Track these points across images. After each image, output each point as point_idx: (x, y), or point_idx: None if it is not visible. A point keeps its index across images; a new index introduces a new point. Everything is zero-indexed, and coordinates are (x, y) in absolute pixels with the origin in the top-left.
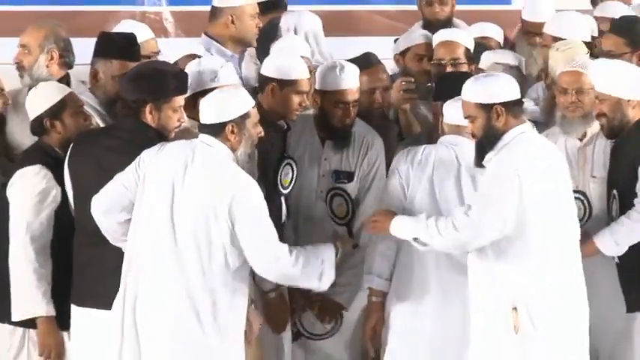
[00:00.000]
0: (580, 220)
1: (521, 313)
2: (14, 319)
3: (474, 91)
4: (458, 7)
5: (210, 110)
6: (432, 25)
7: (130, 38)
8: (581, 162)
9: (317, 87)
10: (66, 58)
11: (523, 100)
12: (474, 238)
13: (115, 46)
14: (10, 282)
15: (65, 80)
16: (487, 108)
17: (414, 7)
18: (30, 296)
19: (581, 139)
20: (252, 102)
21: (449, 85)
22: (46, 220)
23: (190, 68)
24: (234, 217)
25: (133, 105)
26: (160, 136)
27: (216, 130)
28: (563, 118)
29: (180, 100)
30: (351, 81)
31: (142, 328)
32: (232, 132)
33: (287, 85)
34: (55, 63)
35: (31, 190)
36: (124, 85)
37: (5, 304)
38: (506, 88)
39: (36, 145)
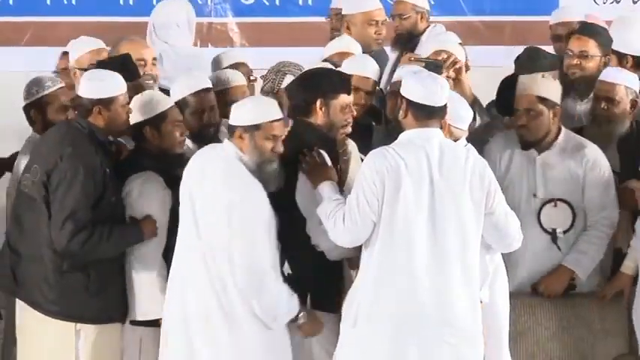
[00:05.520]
0: None
1: None
2: (138, 318)
3: None
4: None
5: (232, 112)
6: None
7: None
8: None
9: None
10: None
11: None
12: None
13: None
14: (134, 283)
15: None
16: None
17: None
18: (153, 298)
19: None
20: (272, 117)
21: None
22: (165, 223)
23: None
24: (231, 220)
25: (303, 104)
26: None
27: (230, 131)
28: None
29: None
30: None
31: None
32: (240, 137)
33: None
34: None
35: (153, 196)
36: (292, 88)
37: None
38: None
39: (141, 153)
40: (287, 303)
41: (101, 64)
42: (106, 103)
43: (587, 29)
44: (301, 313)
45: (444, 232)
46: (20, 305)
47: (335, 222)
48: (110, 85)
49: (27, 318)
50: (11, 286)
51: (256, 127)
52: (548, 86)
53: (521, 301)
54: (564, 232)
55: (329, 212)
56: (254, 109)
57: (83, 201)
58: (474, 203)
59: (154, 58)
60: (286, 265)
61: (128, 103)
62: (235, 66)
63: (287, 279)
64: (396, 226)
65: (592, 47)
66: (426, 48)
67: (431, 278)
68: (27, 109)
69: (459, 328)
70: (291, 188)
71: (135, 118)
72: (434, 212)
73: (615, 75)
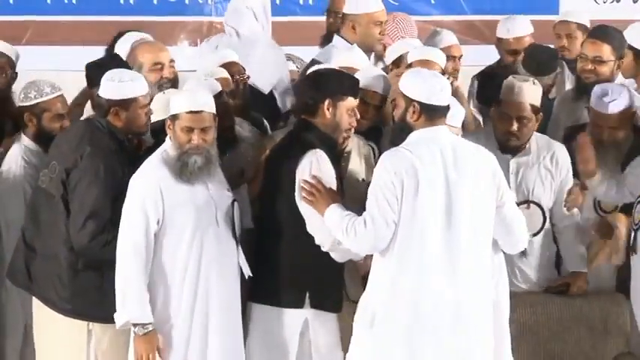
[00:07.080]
0: None
1: None
2: None
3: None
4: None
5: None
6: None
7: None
8: None
9: None
10: None
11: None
12: None
13: None
14: None
15: None
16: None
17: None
18: None
19: None
20: (187, 108)
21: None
22: None
23: None
24: None
25: (311, 102)
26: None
27: None
28: None
29: (354, 102)
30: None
31: None
32: (169, 127)
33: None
34: None
35: None
36: (300, 85)
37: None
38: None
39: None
40: (129, 299)
41: (93, 65)
42: (124, 104)
43: (602, 33)
44: (142, 327)
45: (458, 231)
46: (36, 302)
47: (355, 230)
48: (129, 86)
49: (41, 315)
50: (25, 282)
51: (174, 118)
52: (537, 93)
53: (522, 300)
54: (533, 235)
55: (345, 227)
56: (176, 100)
57: (103, 200)
58: (486, 200)
59: (172, 60)
60: (247, 267)
61: (149, 104)
62: (227, 65)
63: (246, 281)
64: (413, 226)
65: (606, 52)
66: (410, 56)
67: (446, 278)
68: (20, 110)
69: (472, 328)
70: (290, 186)
71: (158, 115)
72: (450, 211)
73: (612, 106)
